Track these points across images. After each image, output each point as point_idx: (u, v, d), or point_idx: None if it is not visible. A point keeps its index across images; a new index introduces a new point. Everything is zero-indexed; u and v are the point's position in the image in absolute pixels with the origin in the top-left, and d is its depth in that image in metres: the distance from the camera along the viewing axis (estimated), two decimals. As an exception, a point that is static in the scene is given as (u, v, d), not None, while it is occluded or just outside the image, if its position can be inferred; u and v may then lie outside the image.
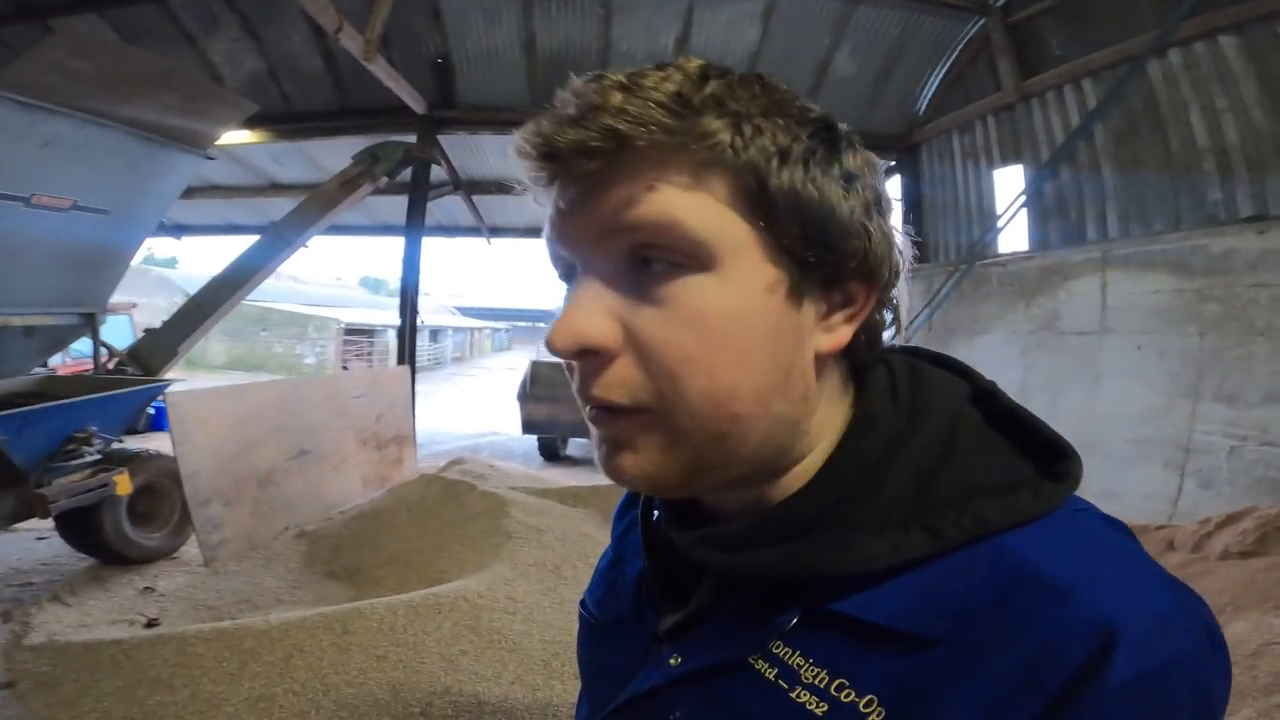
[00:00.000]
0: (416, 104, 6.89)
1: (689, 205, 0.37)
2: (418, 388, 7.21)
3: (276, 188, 9.50)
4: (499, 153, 8.55)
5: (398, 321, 7.82)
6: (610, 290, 0.39)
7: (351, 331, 22.04)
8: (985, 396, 0.43)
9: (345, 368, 19.32)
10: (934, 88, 7.39)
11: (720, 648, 0.43)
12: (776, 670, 0.40)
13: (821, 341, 0.41)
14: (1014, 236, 6.62)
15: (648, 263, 0.38)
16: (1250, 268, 4.43)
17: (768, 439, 0.40)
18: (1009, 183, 6.69)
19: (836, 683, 0.37)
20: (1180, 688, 0.32)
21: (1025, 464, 0.40)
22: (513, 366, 29.28)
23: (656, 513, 0.51)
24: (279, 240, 5.51)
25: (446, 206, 9.80)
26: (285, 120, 7.44)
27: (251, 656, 2.23)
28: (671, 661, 0.45)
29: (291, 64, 6.98)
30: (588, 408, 0.41)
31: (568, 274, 0.43)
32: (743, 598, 0.43)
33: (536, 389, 7.07)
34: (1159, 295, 5.07)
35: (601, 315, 0.38)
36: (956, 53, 6.88)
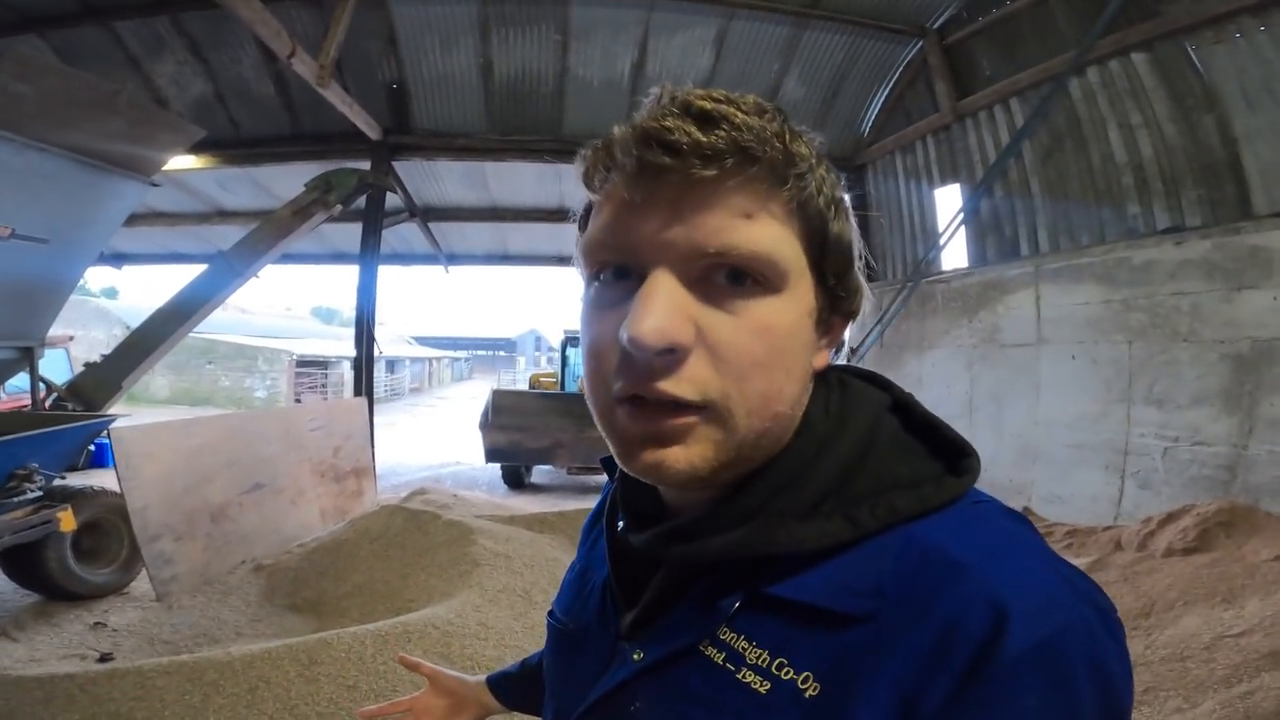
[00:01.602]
0: (371, 130, 6.86)
1: (780, 237, 0.42)
2: (375, 419, 7.08)
3: (223, 215, 9.25)
4: (457, 179, 8.53)
5: (353, 352, 7.68)
6: (687, 293, 0.41)
7: (304, 363, 21.38)
8: (903, 407, 0.49)
9: (298, 400, 18.71)
10: (877, 109, 7.68)
11: (675, 637, 0.46)
12: (724, 654, 0.43)
13: (818, 360, 0.47)
14: (955, 253, 6.90)
15: (734, 275, 0.41)
16: (1170, 277, 4.76)
17: (780, 437, 0.45)
18: (949, 201, 6.96)
19: (777, 661, 0.41)
20: (1073, 656, 0.35)
21: (934, 463, 0.45)
22: (474, 396, 28.94)
23: (621, 523, 0.54)
24: (228, 270, 5.38)
25: (402, 234, 9.71)
26: (233, 145, 7.31)
27: (215, 689, 2.15)
28: (635, 657, 0.48)
29: (241, 88, 6.88)
30: (627, 402, 0.42)
31: (621, 269, 0.44)
32: (694, 590, 0.46)
33: (499, 418, 7.01)
34: (1089, 306, 5.38)
35: (684, 316, 0.40)
36: (897, 75, 7.21)
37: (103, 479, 4.32)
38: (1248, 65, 4.29)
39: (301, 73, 5.38)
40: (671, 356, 0.40)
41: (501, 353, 55.73)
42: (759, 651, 0.42)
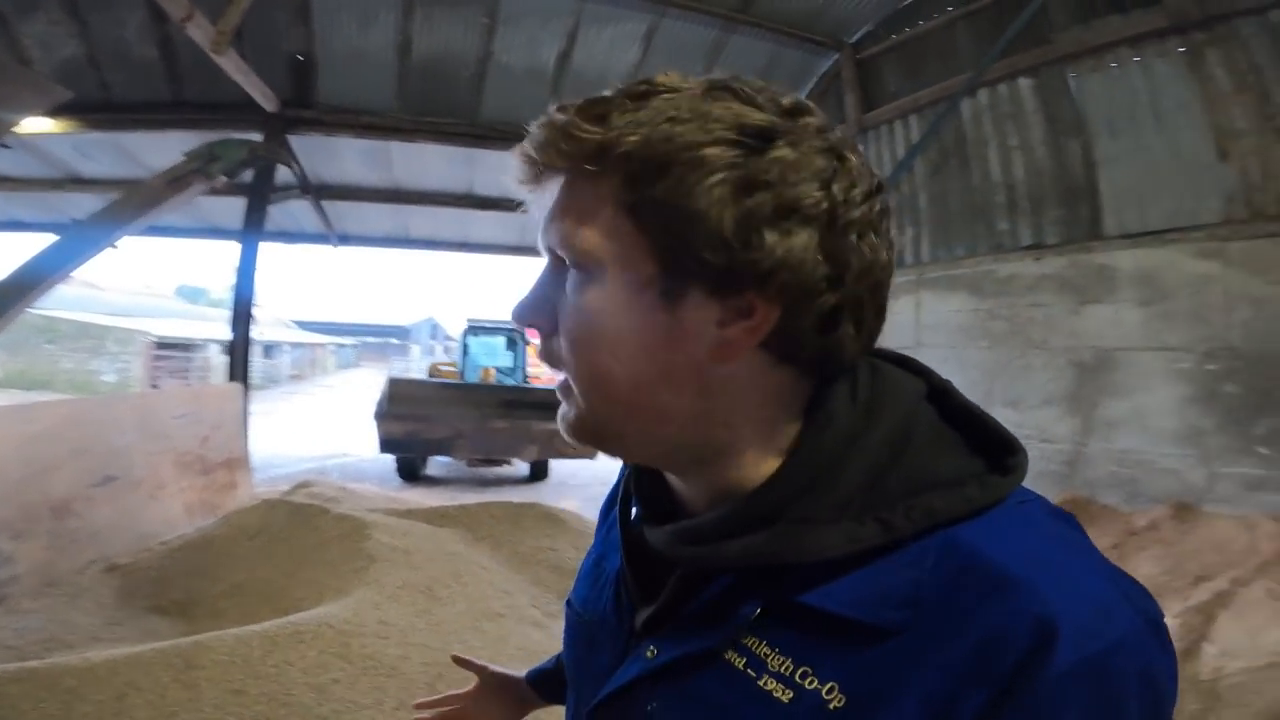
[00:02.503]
0: (267, 101, 6.31)
1: (582, 220, 0.42)
2: (251, 408, 6.55)
3: (79, 182, 8.19)
4: (359, 158, 8.06)
5: (224, 334, 7.07)
6: (550, 279, 0.46)
7: (165, 345, 19.28)
8: (940, 394, 0.45)
9: (155, 386, 16.88)
10: (788, 118, 8.05)
11: (693, 639, 0.44)
12: (745, 660, 0.42)
13: (717, 347, 0.41)
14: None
15: (563, 262, 0.44)
16: (1029, 289, 5.33)
17: (679, 428, 0.44)
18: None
19: (801, 670, 0.39)
20: (1125, 670, 0.34)
21: (976, 459, 0.42)
22: (363, 385, 27.40)
23: (635, 510, 0.53)
24: (82, 240, 4.76)
25: (290, 210, 9.02)
26: (100, 110, 6.47)
27: (76, 697, 1.91)
28: (649, 654, 0.47)
29: (119, 51, 6.13)
30: None
31: None
32: (712, 591, 0.44)
33: (395, 407, 6.68)
34: (960, 314, 5.92)
35: (542, 299, 0.46)
36: (811, 85, 7.52)
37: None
38: (1115, 94, 4.77)
39: (196, 38, 4.87)
40: (540, 332, 0.46)
41: (394, 340, 53.02)
42: (782, 659, 0.40)
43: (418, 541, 3.78)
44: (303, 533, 3.95)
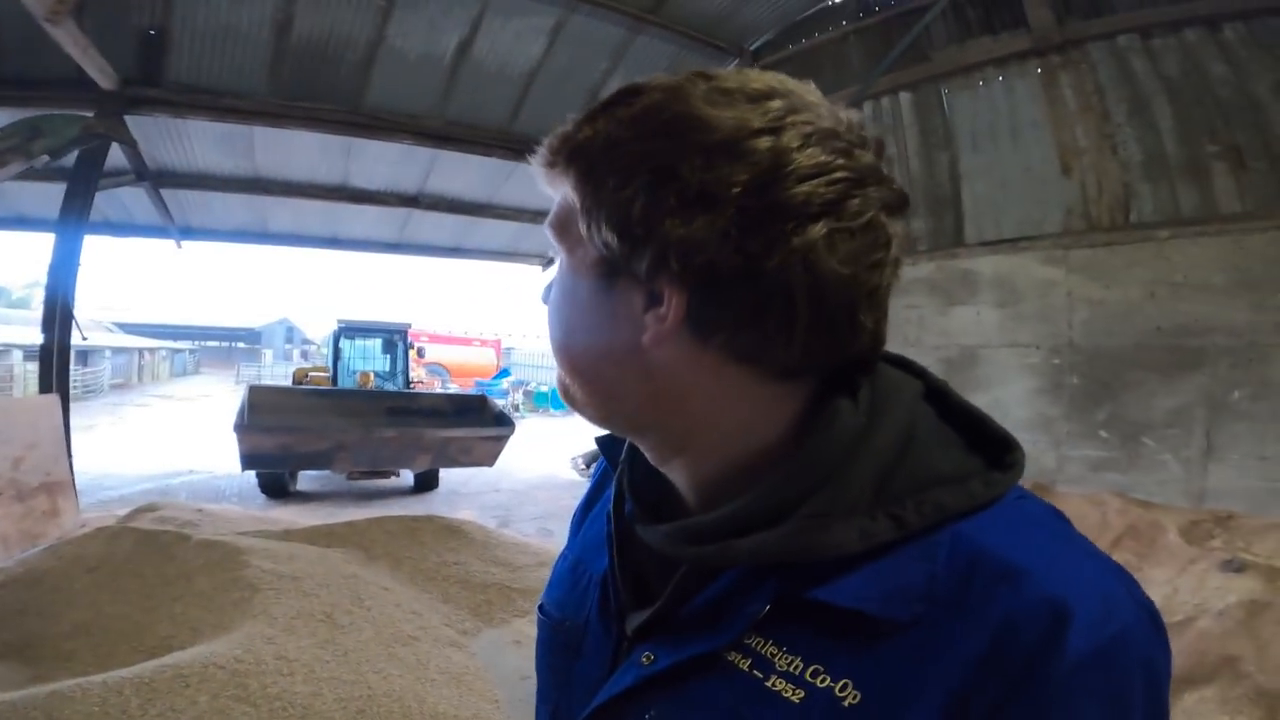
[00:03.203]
0: (104, 78, 5.42)
1: (557, 205, 0.47)
2: (70, 422, 5.65)
3: None
4: (212, 143, 7.17)
5: (32, 339, 6.04)
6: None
7: (-54, 351, 16.14)
8: (938, 394, 0.46)
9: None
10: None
11: (693, 642, 0.43)
12: (750, 661, 0.41)
13: (645, 332, 0.42)
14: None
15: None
16: (904, 292, 5.74)
17: (635, 407, 0.45)
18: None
19: (812, 668, 0.39)
20: (1130, 661, 0.36)
21: (975, 456, 0.43)
22: (204, 394, 24.57)
23: (628, 507, 0.52)
24: None
25: (119, 199, 7.88)
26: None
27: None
28: (644, 660, 0.45)
29: None
30: None
31: None
32: (712, 591, 0.43)
33: (258, 417, 5.99)
34: (843, 315, 6.33)
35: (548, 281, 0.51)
36: None
37: None
38: (980, 110, 5.29)
39: (29, 5, 4.11)
40: None
41: (241, 344, 48.06)
42: (791, 658, 0.40)
43: (306, 566, 3.43)
44: (157, 563, 3.47)
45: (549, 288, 0.50)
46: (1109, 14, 4.52)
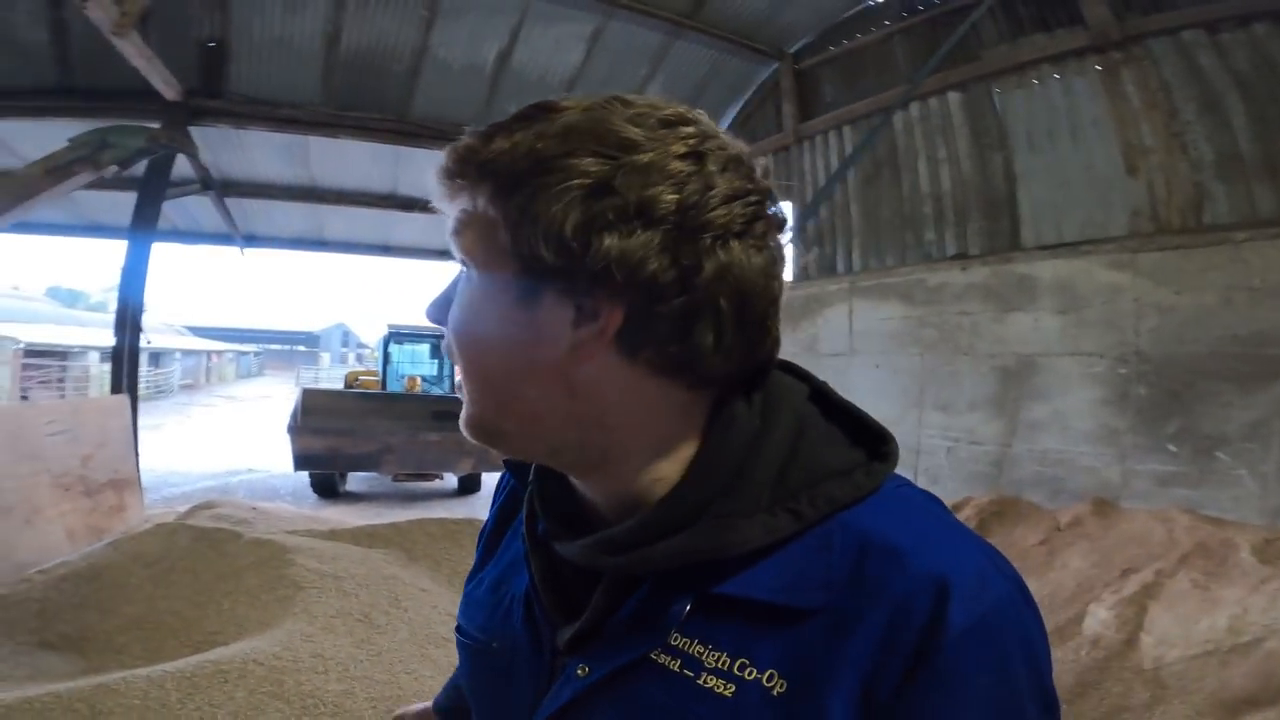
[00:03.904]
0: (169, 89, 5.74)
1: (460, 223, 0.46)
2: (139, 421, 5.95)
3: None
4: (272, 153, 7.52)
5: (105, 341, 6.41)
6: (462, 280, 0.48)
7: (35, 353, 17.35)
8: (820, 395, 0.50)
9: (24, 398, 15.08)
10: (727, 125, 8.15)
11: (624, 650, 0.45)
12: (680, 661, 0.43)
13: (572, 348, 0.43)
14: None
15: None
16: (956, 298, 5.58)
17: (555, 428, 0.45)
18: (782, 219, 7.61)
19: (739, 662, 0.41)
20: (1006, 631, 0.39)
21: (857, 450, 0.46)
22: (265, 395, 25.66)
23: (540, 526, 0.52)
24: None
25: (187, 208, 8.32)
26: (-26, 95, 5.74)
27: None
28: (579, 672, 0.46)
29: (4, 34, 5.47)
30: None
31: None
32: (637, 598, 0.45)
33: (310, 420, 6.20)
34: (891, 321, 6.13)
35: (446, 299, 0.49)
36: (750, 93, 7.63)
37: None
38: (1036, 110, 5.06)
39: (96, 19, 4.38)
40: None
41: (301, 348, 50.15)
42: (718, 654, 0.42)
43: (348, 565, 3.50)
44: (211, 559, 3.60)
45: (440, 306, 0.49)
46: (1169, 9, 4.28)
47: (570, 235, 0.40)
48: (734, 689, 0.41)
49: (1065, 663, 2.78)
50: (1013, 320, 5.16)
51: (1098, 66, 4.63)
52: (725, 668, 0.41)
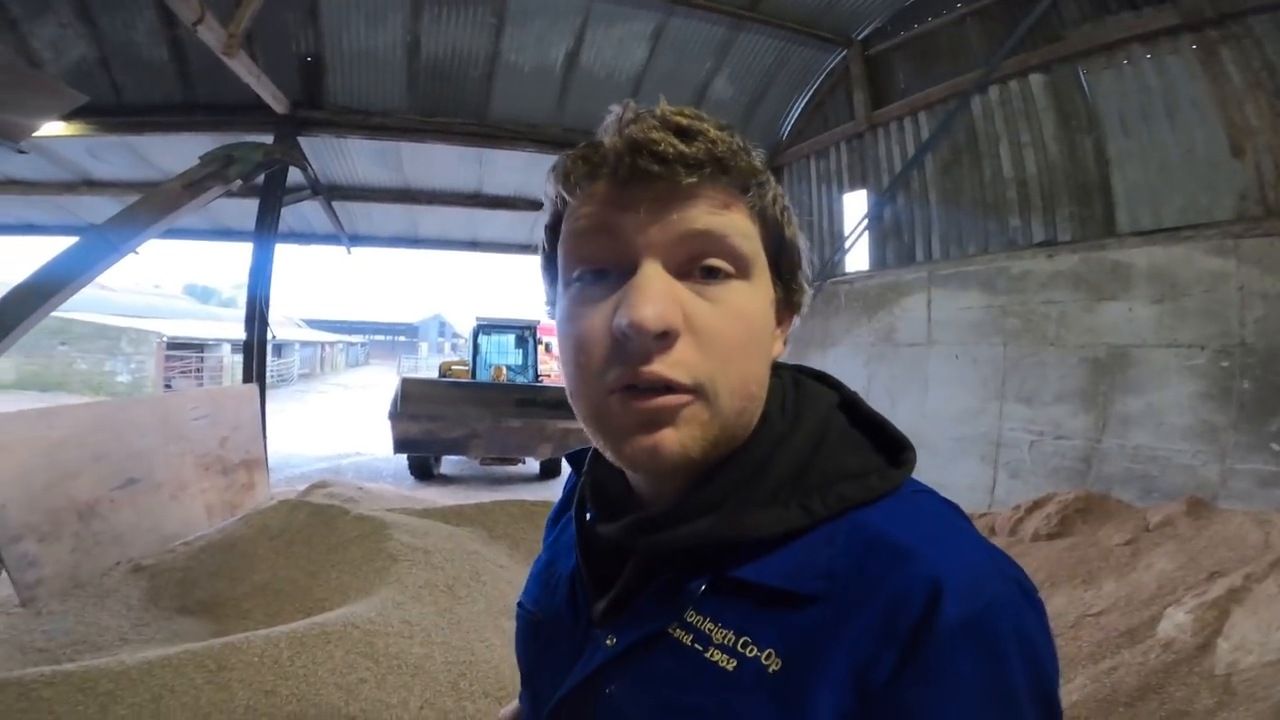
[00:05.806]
0: (277, 103, 6.35)
1: (744, 231, 0.47)
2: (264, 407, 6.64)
3: (91, 185, 8.27)
4: (369, 158, 8.11)
5: (235, 334, 7.15)
6: (675, 281, 0.46)
7: (176, 345, 19.47)
8: (849, 405, 0.54)
9: (168, 386, 17.05)
10: (797, 114, 7.97)
11: (647, 623, 0.49)
12: (693, 636, 0.46)
13: (776, 349, 0.52)
14: (859, 256, 7.32)
15: (708, 269, 0.46)
16: (1042, 287, 5.31)
17: (752, 419, 0.50)
18: (856, 206, 7.34)
19: (742, 640, 0.44)
20: (1002, 628, 0.39)
21: (877, 456, 0.50)
22: (372, 383, 27.56)
23: (590, 515, 0.58)
24: (103, 244, 4.81)
25: (301, 212, 9.12)
26: (113, 113, 6.50)
27: (112, 699, 1.95)
28: (608, 642, 0.51)
29: (129, 53, 6.15)
30: (624, 389, 0.45)
31: (599, 271, 0.47)
32: (662, 577, 0.49)
33: (409, 407, 6.73)
34: (972, 311, 5.89)
35: (675, 302, 0.44)
36: (819, 81, 7.49)
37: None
38: (1129, 91, 4.74)
39: (207, 40, 4.88)
40: (665, 340, 0.44)
41: (402, 338, 53.35)
42: (725, 632, 0.45)
43: (437, 541, 3.81)
44: (323, 533, 3.99)
45: (675, 310, 0.44)
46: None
47: (785, 225, 0.51)
48: (735, 664, 0.44)
49: (1132, 665, 2.68)
50: (1104, 309, 4.86)
51: (1194, 45, 4.27)
52: (730, 644, 0.45)
